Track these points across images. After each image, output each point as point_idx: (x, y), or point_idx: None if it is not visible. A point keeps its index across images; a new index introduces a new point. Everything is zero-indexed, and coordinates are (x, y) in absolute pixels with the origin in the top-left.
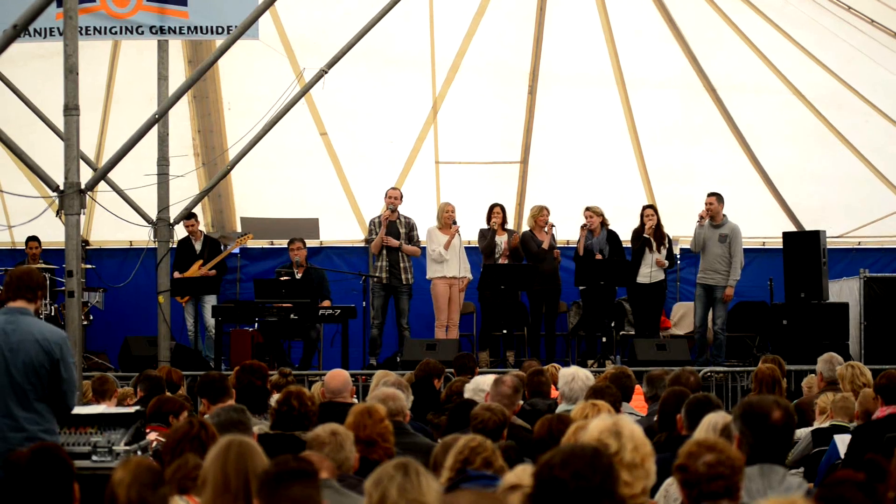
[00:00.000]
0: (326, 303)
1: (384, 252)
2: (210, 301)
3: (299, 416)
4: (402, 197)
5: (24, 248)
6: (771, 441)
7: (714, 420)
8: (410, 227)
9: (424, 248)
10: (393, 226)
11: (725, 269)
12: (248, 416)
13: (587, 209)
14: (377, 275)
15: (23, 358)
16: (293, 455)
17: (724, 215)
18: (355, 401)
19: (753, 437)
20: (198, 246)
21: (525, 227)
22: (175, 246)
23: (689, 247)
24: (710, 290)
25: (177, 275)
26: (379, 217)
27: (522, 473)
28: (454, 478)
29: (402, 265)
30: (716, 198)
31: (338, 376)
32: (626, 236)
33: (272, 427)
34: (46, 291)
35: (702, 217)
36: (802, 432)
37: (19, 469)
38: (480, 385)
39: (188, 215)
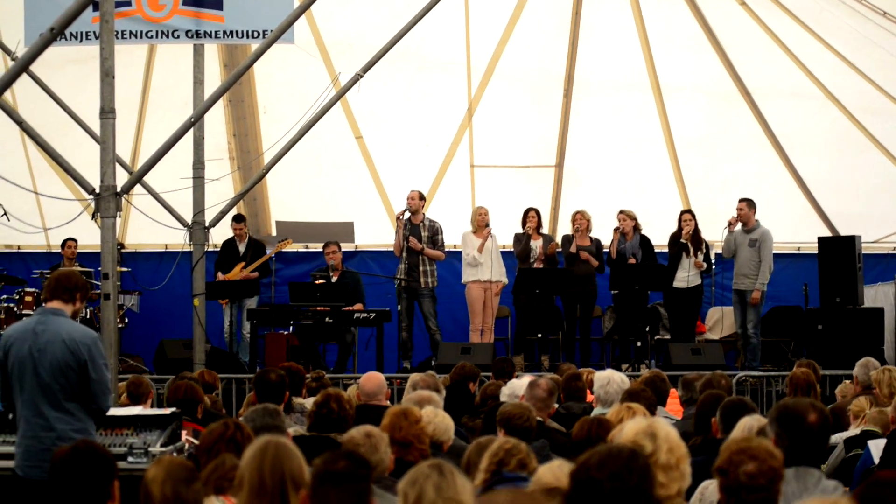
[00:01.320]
0: (359, 306)
1: (404, 255)
2: (250, 304)
3: (338, 419)
4: (420, 198)
5: (59, 250)
6: (807, 443)
7: (749, 423)
8: (435, 230)
9: (460, 251)
10: (416, 229)
11: (755, 274)
12: (283, 420)
13: (621, 212)
14: (398, 277)
15: (49, 358)
16: (346, 453)
17: (756, 220)
18: (389, 404)
19: (789, 440)
20: (241, 247)
21: (561, 231)
22: (213, 248)
23: (721, 252)
24: (743, 295)
25: (220, 276)
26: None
27: (558, 470)
28: (489, 479)
29: (421, 268)
30: (746, 203)
31: (373, 379)
32: (659, 241)
33: (309, 429)
34: (87, 294)
35: (730, 223)
36: (836, 438)
37: (59, 465)
38: (516, 389)
39: (237, 218)
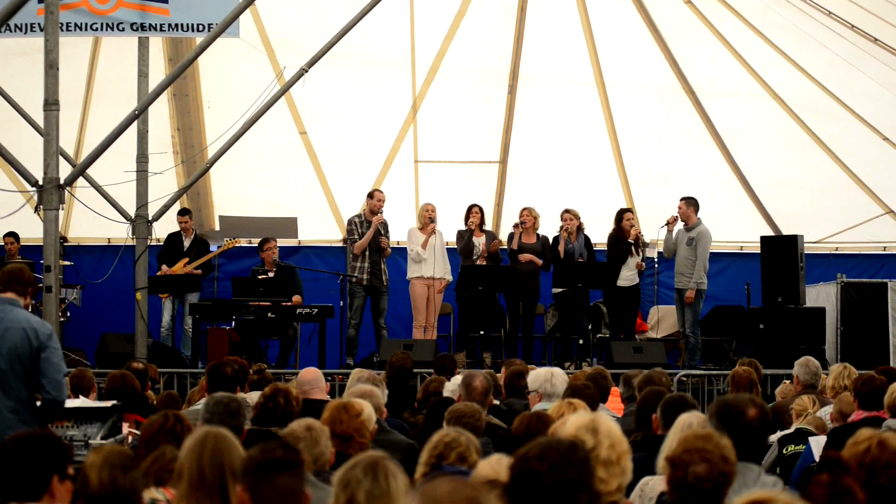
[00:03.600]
0: (297, 298)
1: (366, 253)
2: (193, 298)
3: (283, 414)
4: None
5: (1, 243)
6: (746, 439)
7: (688, 420)
8: (386, 227)
9: (405, 247)
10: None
11: (692, 272)
12: (245, 412)
13: (567, 211)
14: (357, 275)
15: (8, 345)
16: (280, 442)
17: (698, 218)
18: (328, 398)
19: (729, 435)
20: (186, 242)
21: (505, 227)
22: (156, 242)
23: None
24: (681, 294)
25: (164, 268)
26: (359, 217)
27: (497, 464)
28: (428, 473)
29: (382, 266)
30: (685, 202)
31: (310, 371)
32: (604, 239)
33: (253, 421)
34: (36, 290)
35: (668, 223)
36: (774, 438)
37: (3, 451)
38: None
39: (182, 211)
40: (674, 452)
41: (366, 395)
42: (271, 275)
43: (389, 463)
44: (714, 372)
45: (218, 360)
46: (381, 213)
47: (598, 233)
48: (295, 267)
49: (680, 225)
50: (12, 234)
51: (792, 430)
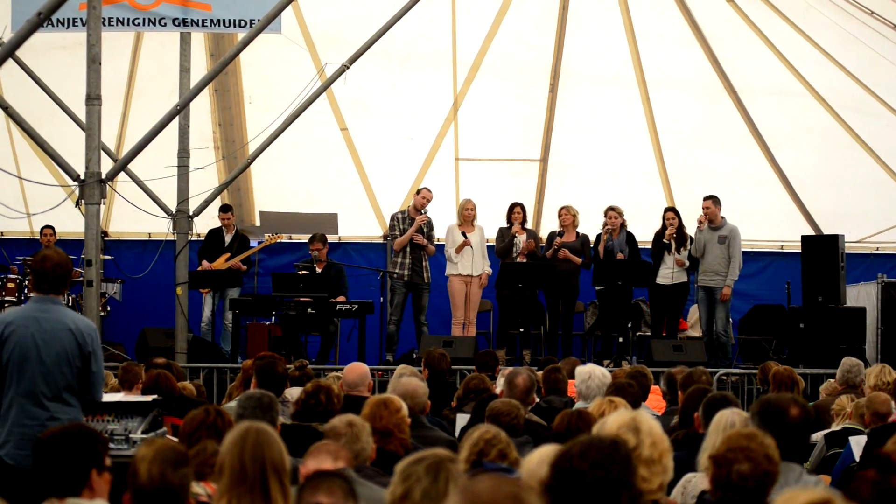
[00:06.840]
0: (341, 298)
1: (407, 250)
2: (234, 294)
3: (324, 411)
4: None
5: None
6: (788, 438)
7: (729, 418)
8: (430, 226)
9: (444, 244)
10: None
11: (725, 271)
12: (277, 412)
13: (611, 209)
14: (398, 271)
15: (56, 347)
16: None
17: (722, 217)
18: (369, 395)
19: (771, 435)
20: (228, 238)
21: (545, 225)
22: (197, 237)
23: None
24: (711, 292)
25: (205, 263)
26: (402, 213)
27: (545, 455)
28: (469, 470)
29: (423, 263)
30: (712, 201)
31: (356, 369)
32: (642, 236)
33: (293, 417)
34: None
35: (700, 222)
36: (817, 436)
37: (41, 448)
38: None
39: (223, 207)
40: (718, 451)
41: (410, 390)
42: (318, 271)
43: (453, 466)
44: (753, 371)
45: (261, 356)
46: (426, 212)
47: (638, 232)
48: (343, 266)
49: (705, 224)
50: (49, 227)
51: (839, 427)
